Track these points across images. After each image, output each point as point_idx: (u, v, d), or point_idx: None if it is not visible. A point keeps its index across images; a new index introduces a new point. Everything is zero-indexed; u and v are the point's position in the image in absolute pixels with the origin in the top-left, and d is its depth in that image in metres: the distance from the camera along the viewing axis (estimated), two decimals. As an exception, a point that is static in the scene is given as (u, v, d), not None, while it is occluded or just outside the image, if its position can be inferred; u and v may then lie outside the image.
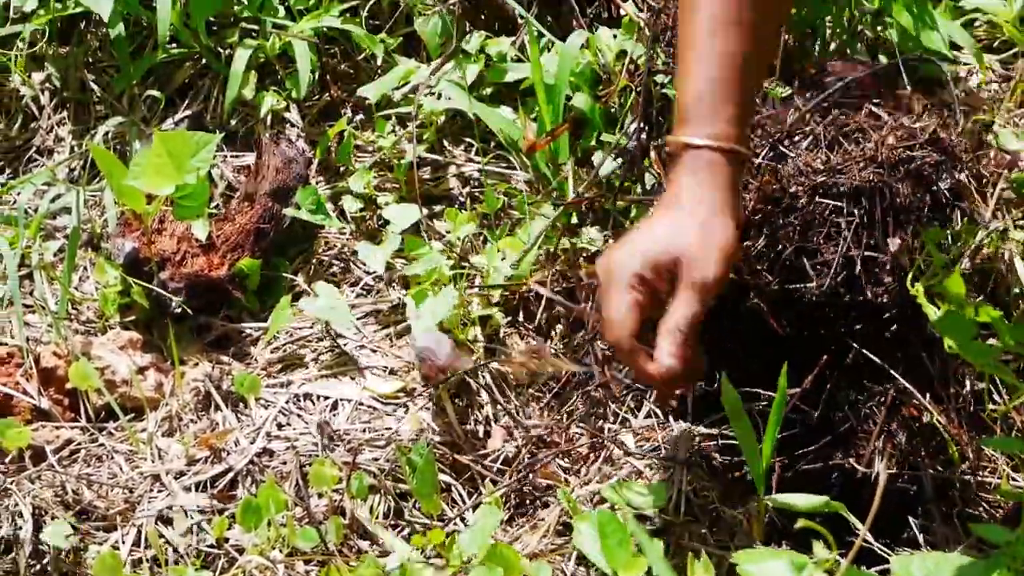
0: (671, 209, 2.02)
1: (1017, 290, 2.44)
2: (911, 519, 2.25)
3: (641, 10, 2.71)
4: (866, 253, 2.29)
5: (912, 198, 2.38)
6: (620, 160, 2.61)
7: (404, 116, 2.74)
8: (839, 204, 2.30)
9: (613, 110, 2.66)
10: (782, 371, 2.19)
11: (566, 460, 2.36)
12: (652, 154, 2.61)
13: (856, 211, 2.30)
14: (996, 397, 2.37)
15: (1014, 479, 2.28)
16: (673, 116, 2.17)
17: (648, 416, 2.43)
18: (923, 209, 2.39)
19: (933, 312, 2.10)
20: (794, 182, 2.41)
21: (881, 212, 2.34)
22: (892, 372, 2.30)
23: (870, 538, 2.10)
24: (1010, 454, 2.25)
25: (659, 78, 2.63)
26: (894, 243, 2.32)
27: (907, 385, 2.30)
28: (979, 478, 2.35)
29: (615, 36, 2.69)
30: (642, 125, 2.61)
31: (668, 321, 1.93)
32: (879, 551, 2.15)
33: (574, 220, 2.59)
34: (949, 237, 2.44)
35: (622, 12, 2.73)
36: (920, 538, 2.22)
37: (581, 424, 2.41)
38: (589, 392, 2.45)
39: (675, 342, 1.93)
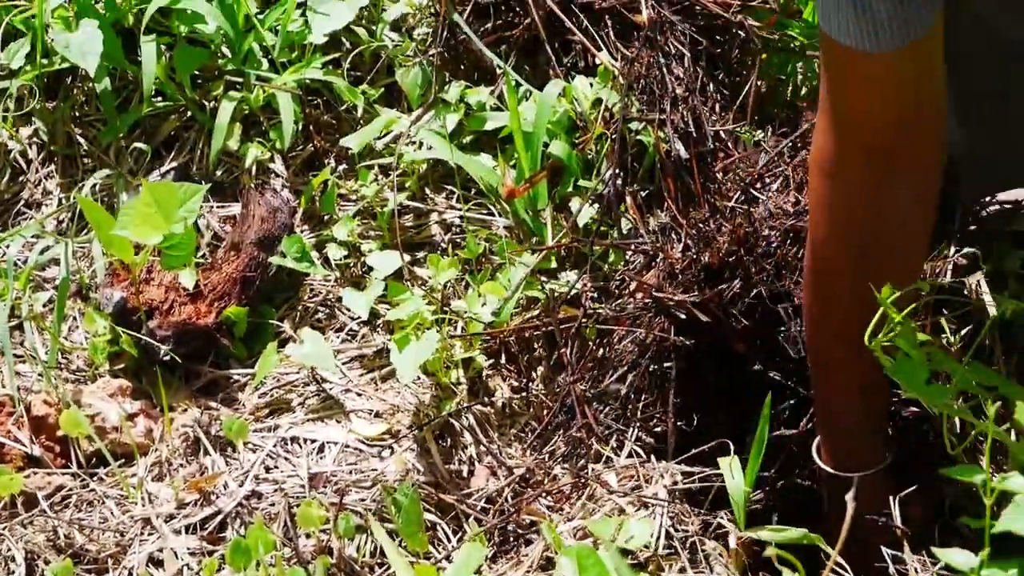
0: None
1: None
2: (882, 549, 2.27)
3: (616, 59, 2.73)
4: None
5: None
6: (596, 206, 2.63)
7: (386, 165, 2.75)
8: None
9: (590, 156, 2.68)
10: (766, 404, 2.23)
11: (549, 499, 2.38)
12: (627, 199, 2.63)
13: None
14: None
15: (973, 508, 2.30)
16: None
17: (630, 456, 2.44)
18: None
19: (888, 363, 2.13)
20: (766, 225, 2.44)
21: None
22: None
23: (843, 563, 2.13)
24: (975, 488, 2.27)
25: (633, 125, 2.66)
26: None
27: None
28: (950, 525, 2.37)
29: (591, 85, 2.71)
30: (617, 171, 2.64)
31: None
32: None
33: (553, 264, 2.61)
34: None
35: (597, 61, 2.75)
36: (891, 568, 2.24)
37: (564, 464, 2.43)
38: (571, 433, 2.46)
39: None
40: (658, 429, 2.51)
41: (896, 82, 2.01)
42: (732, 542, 2.28)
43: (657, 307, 2.49)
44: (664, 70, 2.69)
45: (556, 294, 2.55)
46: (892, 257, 2.14)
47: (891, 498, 2.21)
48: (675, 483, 2.40)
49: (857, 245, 2.12)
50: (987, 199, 2.65)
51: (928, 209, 2.17)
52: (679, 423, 2.49)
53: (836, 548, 1.99)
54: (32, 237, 2.71)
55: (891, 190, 2.08)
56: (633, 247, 2.61)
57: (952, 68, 2.32)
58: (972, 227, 2.64)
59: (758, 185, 2.56)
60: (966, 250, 2.51)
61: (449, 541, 2.33)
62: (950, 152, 2.54)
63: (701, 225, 2.55)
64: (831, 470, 2.23)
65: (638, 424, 2.49)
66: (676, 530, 2.33)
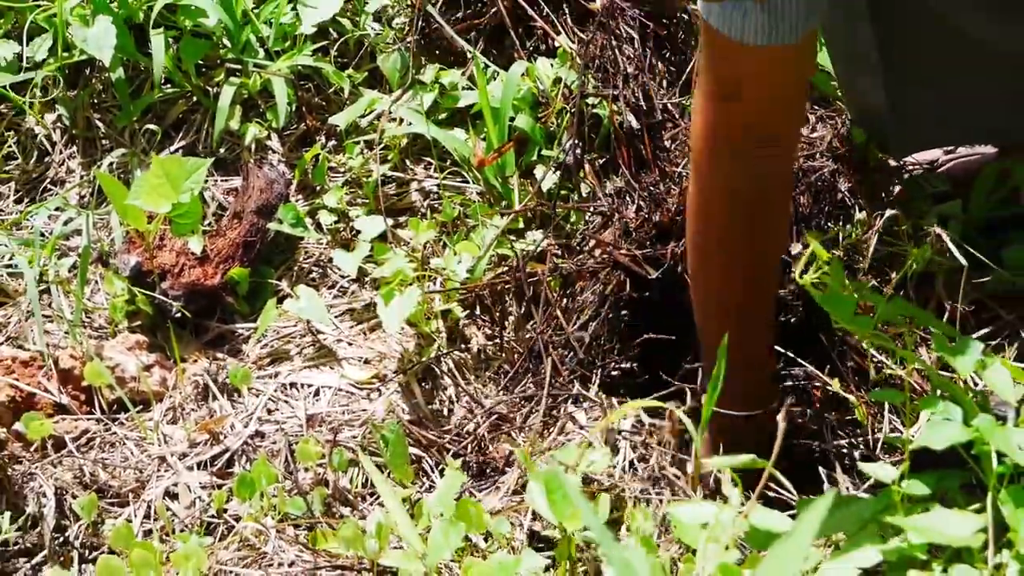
0: None
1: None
2: (821, 469, 2.28)
3: (573, 42, 2.73)
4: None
5: (812, 207, 2.42)
6: (558, 172, 2.64)
7: (370, 140, 2.75)
8: None
9: (552, 129, 2.69)
10: (722, 347, 2.24)
11: (523, 435, 2.39)
12: (586, 166, 2.64)
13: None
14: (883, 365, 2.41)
15: (899, 430, 2.31)
16: None
17: (597, 395, 2.46)
18: (824, 212, 2.43)
19: (818, 294, 2.13)
20: None
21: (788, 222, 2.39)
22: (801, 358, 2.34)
23: (785, 481, 2.14)
24: (897, 408, 2.28)
25: (590, 100, 2.66)
26: (796, 248, 2.36)
27: (808, 367, 2.35)
28: (876, 435, 2.39)
29: (551, 65, 2.71)
30: (576, 141, 2.64)
31: None
32: (789, 499, 2.20)
33: (521, 225, 2.62)
34: (840, 235, 2.47)
35: (557, 44, 2.75)
36: (826, 486, 2.24)
37: (536, 404, 2.44)
38: (540, 376, 2.47)
39: None
40: (616, 372, 2.52)
41: (784, 71, 2.02)
42: (690, 468, 2.29)
43: (615, 262, 2.50)
44: (616, 51, 2.69)
45: (523, 252, 2.55)
46: (776, 215, 2.18)
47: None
48: (639, 421, 2.42)
49: (744, 214, 2.13)
50: (917, 164, 2.66)
51: (791, 170, 2.23)
52: (635, 365, 2.51)
53: (770, 461, 2.00)
54: (56, 210, 2.71)
55: (774, 160, 2.10)
56: (592, 209, 2.61)
57: (900, 37, 2.33)
58: (897, 187, 2.65)
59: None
60: (888, 213, 2.52)
61: (432, 473, 2.34)
62: (867, 112, 2.54)
63: (652, 188, 2.56)
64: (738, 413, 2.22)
65: (600, 367, 2.51)
66: (641, 459, 2.35)
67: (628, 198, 2.59)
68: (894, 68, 2.40)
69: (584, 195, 2.64)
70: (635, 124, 2.65)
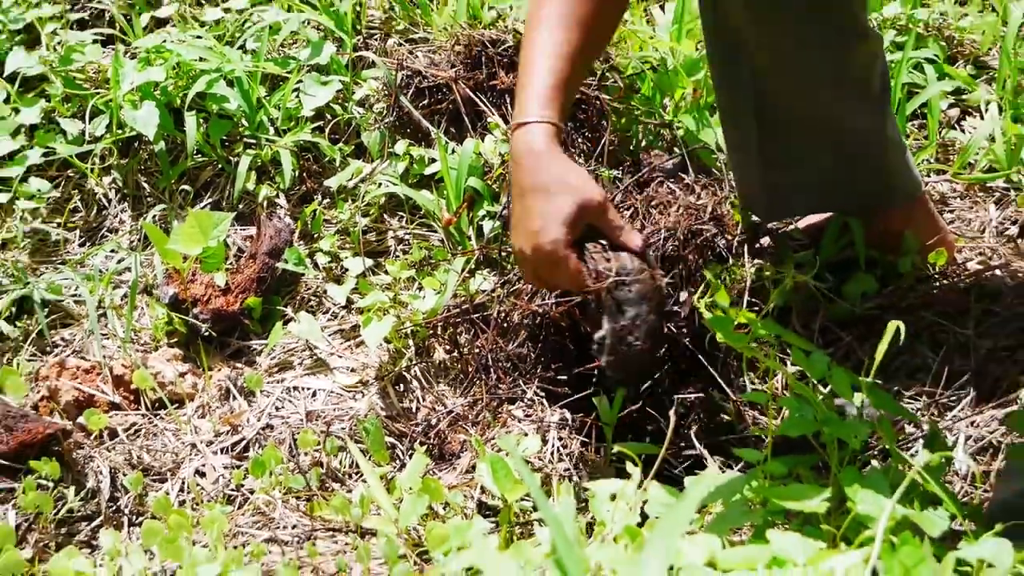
0: (540, 192, 2.05)
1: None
2: (708, 457, 2.29)
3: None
4: (670, 308, 2.37)
5: (697, 262, 2.43)
6: (499, 222, 2.64)
7: (356, 198, 2.75)
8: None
9: (495, 189, 2.69)
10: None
11: (475, 429, 2.39)
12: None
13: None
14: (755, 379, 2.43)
15: (759, 421, 2.32)
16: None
17: (532, 398, 2.46)
18: (708, 264, 2.44)
19: (708, 315, 2.15)
20: None
21: (679, 275, 2.40)
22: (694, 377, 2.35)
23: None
24: (762, 406, 2.29)
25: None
26: (683, 295, 2.38)
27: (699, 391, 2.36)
28: (746, 428, 2.40)
29: (494, 141, 2.71)
30: (510, 198, 2.66)
31: (617, 237, 2.12)
32: (679, 476, 2.21)
33: (472, 266, 2.62)
34: (725, 274, 2.49)
35: (494, 123, 2.76)
36: (712, 470, 2.25)
37: (487, 405, 2.44)
38: (489, 383, 2.47)
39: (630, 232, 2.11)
40: (546, 379, 2.53)
41: None
42: (602, 452, 2.31)
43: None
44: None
45: (475, 291, 2.56)
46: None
47: None
48: (564, 417, 2.42)
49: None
50: (782, 224, 2.68)
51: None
52: (561, 376, 2.52)
53: (663, 450, 2.01)
54: (111, 252, 2.70)
55: None
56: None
57: (771, 135, 2.37)
58: (766, 240, 2.67)
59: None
60: (758, 261, 2.54)
61: (403, 456, 2.34)
62: (749, 188, 2.57)
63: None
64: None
65: (537, 377, 2.51)
66: (565, 447, 2.36)
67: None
68: (766, 157, 2.44)
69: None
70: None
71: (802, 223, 2.67)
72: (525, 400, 2.45)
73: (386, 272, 2.63)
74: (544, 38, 2.10)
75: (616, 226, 2.10)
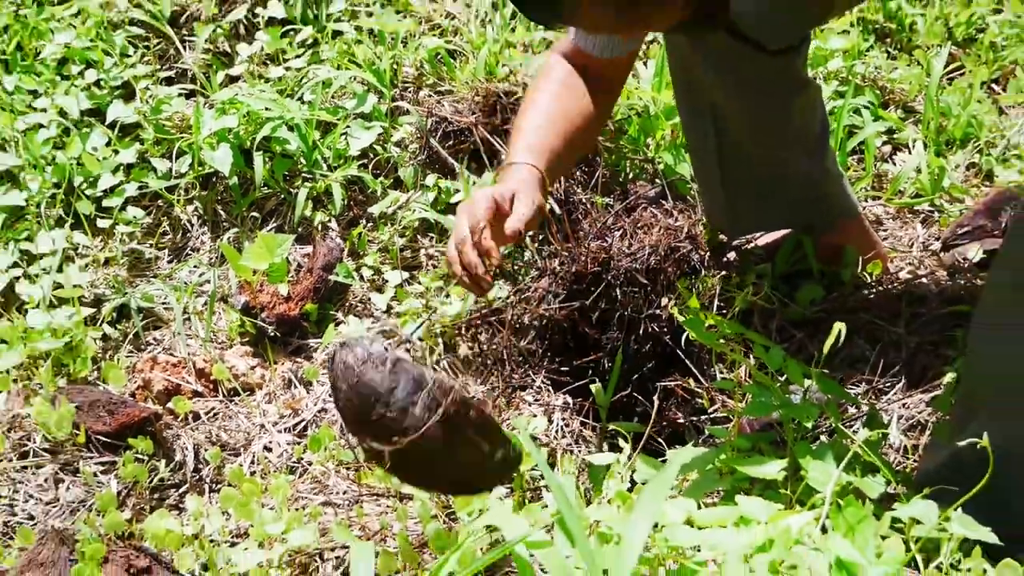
0: (506, 180, 2.06)
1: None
2: (686, 434, 2.29)
3: None
4: (653, 311, 2.36)
5: (674, 274, 2.43)
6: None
7: (394, 222, 2.76)
8: (642, 281, 2.35)
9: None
10: (617, 357, 2.25)
11: (494, 412, 2.39)
12: (527, 239, 2.64)
13: (645, 285, 2.37)
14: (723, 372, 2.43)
15: (728, 404, 2.32)
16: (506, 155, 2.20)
17: (539, 386, 2.46)
18: (682, 275, 2.44)
19: (680, 316, 2.15)
20: (614, 262, 2.47)
21: (660, 283, 2.40)
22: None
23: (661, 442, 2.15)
24: (730, 391, 2.29)
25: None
26: (663, 301, 2.38)
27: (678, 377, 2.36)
28: (717, 411, 2.40)
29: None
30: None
31: (515, 213, 1.98)
32: (662, 450, 2.21)
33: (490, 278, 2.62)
34: (699, 283, 2.49)
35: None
36: (689, 445, 2.26)
37: (504, 391, 2.44)
38: (504, 373, 2.48)
39: (520, 219, 1.96)
40: (551, 369, 2.53)
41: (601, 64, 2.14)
42: (599, 430, 2.31)
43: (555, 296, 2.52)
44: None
45: (490, 296, 2.56)
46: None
47: None
48: (566, 401, 2.43)
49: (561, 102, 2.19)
50: (744, 241, 2.69)
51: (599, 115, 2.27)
52: (564, 368, 2.52)
53: (648, 428, 2.01)
54: (194, 267, 2.71)
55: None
56: (534, 265, 2.62)
57: (732, 167, 2.38)
58: (732, 254, 2.67)
59: (607, 232, 2.58)
60: (724, 272, 2.55)
61: (434, 434, 2.35)
62: (713, 213, 2.58)
63: (570, 251, 2.58)
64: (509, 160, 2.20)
65: (543, 368, 2.51)
66: (567, 426, 2.36)
67: (556, 257, 2.60)
68: (727, 188, 2.46)
69: (527, 257, 2.65)
70: (558, 211, 2.66)
71: (761, 241, 2.67)
72: (534, 387, 2.45)
73: (419, 283, 2.63)
74: (530, 120, 2.17)
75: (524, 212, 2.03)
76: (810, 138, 2.45)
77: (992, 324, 1.90)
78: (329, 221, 2.76)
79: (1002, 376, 1.85)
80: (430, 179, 2.75)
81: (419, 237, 2.74)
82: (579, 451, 2.31)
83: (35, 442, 2.21)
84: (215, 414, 2.37)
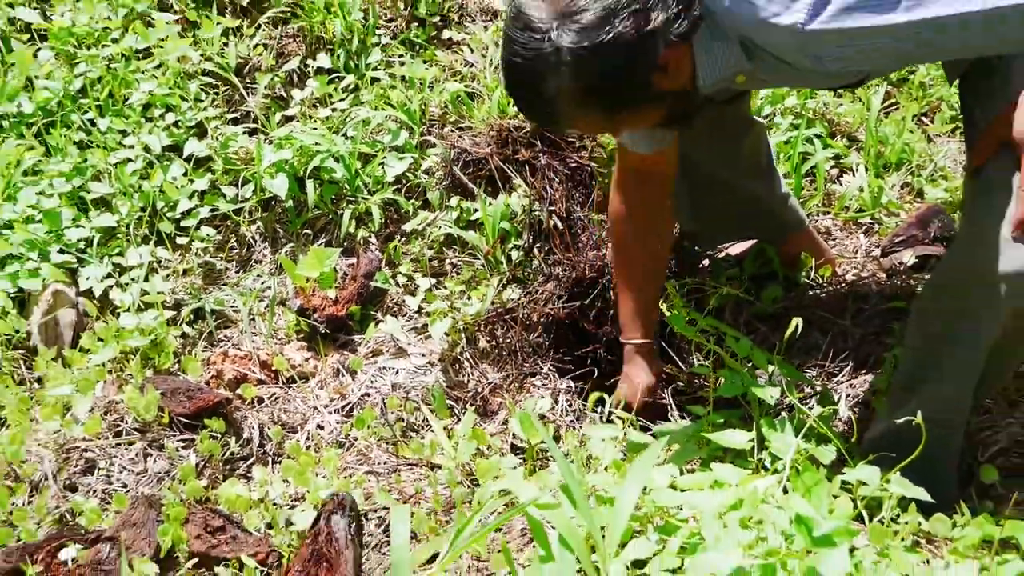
0: (629, 379, 2.21)
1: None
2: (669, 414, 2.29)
3: (529, 184, 2.73)
4: None
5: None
6: (522, 252, 2.65)
7: (424, 237, 2.74)
8: None
9: (520, 229, 2.68)
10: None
11: (508, 394, 2.40)
12: (534, 250, 2.64)
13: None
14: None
15: (704, 386, 2.32)
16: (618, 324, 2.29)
17: (546, 373, 2.46)
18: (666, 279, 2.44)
19: (668, 313, 2.15)
20: (608, 269, 2.46)
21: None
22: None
23: (646, 423, 2.15)
24: (706, 376, 2.28)
25: (537, 213, 2.67)
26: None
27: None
28: (695, 391, 2.40)
29: (519, 197, 2.71)
30: (529, 235, 2.65)
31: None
32: (649, 425, 2.21)
33: (504, 283, 2.63)
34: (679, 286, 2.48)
35: (517, 183, 2.76)
36: (674, 422, 2.26)
37: (517, 377, 2.44)
38: (517, 363, 2.48)
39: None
40: (556, 358, 2.53)
41: (648, 160, 2.10)
42: (598, 410, 2.31)
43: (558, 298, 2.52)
44: (551, 186, 2.70)
45: (505, 298, 2.56)
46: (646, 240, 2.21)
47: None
48: (569, 386, 2.43)
49: (637, 235, 2.19)
50: (717, 251, 2.68)
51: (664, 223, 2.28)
52: (567, 358, 2.52)
53: (634, 410, 2.00)
54: (257, 276, 2.71)
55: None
56: (541, 272, 2.62)
57: (697, 191, 2.38)
58: (706, 261, 2.67)
59: (603, 243, 2.58)
60: (699, 278, 2.55)
61: (458, 413, 2.35)
62: (688, 228, 2.58)
63: (571, 259, 2.58)
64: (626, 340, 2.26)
65: (550, 358, 2.51)
66: (570, 405, 2.36)
67: (559, 265, 2.60)
68: (696, 209, 2.47)
69: (534, 265, 2.64)
70: (560, 225, 2.66)
71: (732, 250, 2.67)
72: (542, 374, 2.46)
73: (445, 287, 2.63)
74: (627, 296, 2.23)
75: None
76: (759, 167, 2.47)
77: (919, 323, 1.91)
78: (369, 236, 2.75)
79: (923, 366, 1.86)
80: (453, 200, 2.75)
81: (444, 249, 2.74)
82: (580, 427, 2.31)
83: (127, 423, 2.22)
84: (276, 398, 2.37)
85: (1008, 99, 1.67)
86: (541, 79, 1.63)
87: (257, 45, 3.05)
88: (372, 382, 2.41)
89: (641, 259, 2.20)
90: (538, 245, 2.65)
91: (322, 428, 2.29)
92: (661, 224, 2.23)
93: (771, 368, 2.13)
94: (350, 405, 2.35)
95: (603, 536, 1.37)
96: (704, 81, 1.74)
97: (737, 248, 2.66)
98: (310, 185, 2.75)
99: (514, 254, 2.66)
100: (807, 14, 1.53)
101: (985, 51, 1.68)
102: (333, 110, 2.92)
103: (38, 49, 2.97)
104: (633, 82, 1.65)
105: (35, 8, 3.09)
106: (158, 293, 2.56)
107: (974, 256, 1.67)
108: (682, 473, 1.74)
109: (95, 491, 2.10)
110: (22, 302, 2.52)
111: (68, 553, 1.84)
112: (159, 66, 2.93)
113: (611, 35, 1.57)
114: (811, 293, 2.56)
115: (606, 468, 1.89)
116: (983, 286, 1.65)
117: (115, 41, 2.98)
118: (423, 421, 2.31)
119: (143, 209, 2.71)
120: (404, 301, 2.64)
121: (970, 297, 1.72)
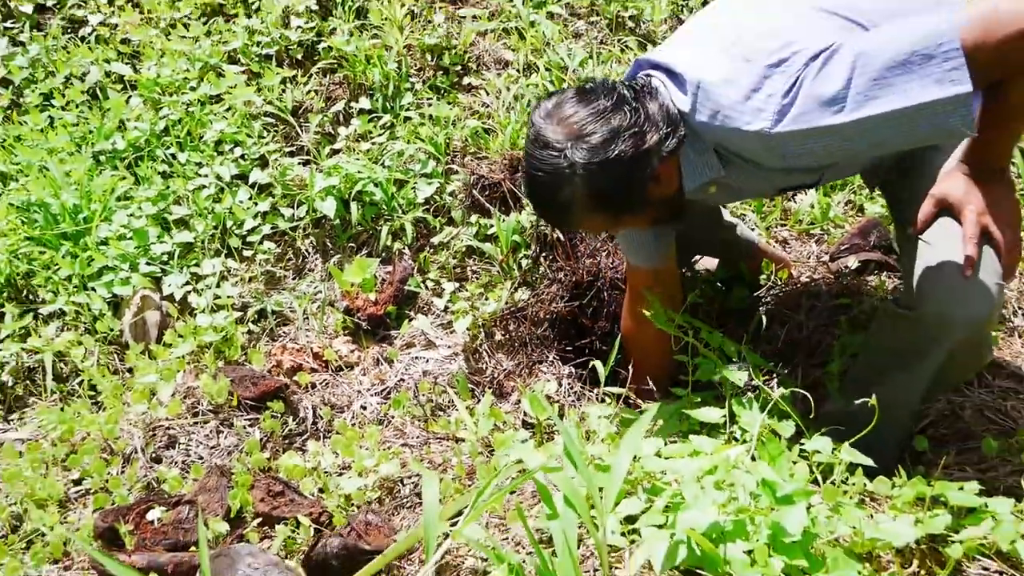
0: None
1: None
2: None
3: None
4: None
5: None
6: (531, 260, 2.63)
7: (449, 248, 2.73)
8: (622, 286, 2.32)
9: (528, 241, 2.67)
10: (615, 343, 2.22)
11: (519, 379, 2.38)
12: (540, 258, 2.63)
13: (624, 289, 2.33)
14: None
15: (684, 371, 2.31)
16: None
17: (552, 360, 2.44)
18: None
19: (650, 312, 2.13)
20: (602, 274, 2.44)
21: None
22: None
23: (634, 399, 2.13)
24: (685, 362, 2.26)
25: (541, 227, 2.66)
26: None
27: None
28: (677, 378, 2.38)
29: (527, 215, 2.70)
30: (536, 246, 2.64)
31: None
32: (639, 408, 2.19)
33: (515, 287, 2.61)
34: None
35: (527, 204, 2.74)
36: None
37: (528, 364, 2.43)
38: (527, 352, 2.46)
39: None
40: (560, 348, 2.51)
41: (653, 272, 2.07)
42: (595, 391, 2.29)
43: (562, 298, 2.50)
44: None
45: (516, 299, 2.55)
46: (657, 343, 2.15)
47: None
48: (571, 372, 2.41)
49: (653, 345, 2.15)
50: (694, 261, 2.67)
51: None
52: (568, 348, 2.50)
53: (626, 389, 1.98)
54: (310, 282, 2.71)
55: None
56: (546, 276, 2.61)
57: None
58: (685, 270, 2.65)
59: (598, 252, 2.56)
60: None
61: (478, 395, 2.34)
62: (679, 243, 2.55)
63: (571, 265, 2.57)
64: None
65: (555, 348, 2.50)
66: (572, 388, 2.34)
67: (561, 271, 2.59)
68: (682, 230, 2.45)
69: (541, 272, 2.62)
70: (561, 238, 2.64)
71: (703, 263, 2.65)
72: (548, 362, 2.44)
73: (467, 290, 2.61)
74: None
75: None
76: (721, 223, 2.45)
77: (878, 327, 1.87)
78: (404, 248, 2.75)
79: (873, 382, 1.83)
80: (473, 218, 2.74)
81: (466, 258, 2.73)
82: (580, 406, 2.29)
83: (203, 405, 2.21)
84: (326, 384, 2.36)
85: (932, 178, 1.68)
86: (558, 189, 1.66)
87: (309, 91, 3.05)
88: (406, 369, 2.40)
89: (657, 358, 2.17)
90: (544, 254, 2.64)
91: (365, 408, 2.28)
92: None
93: (740, 355, 2.11)
94: (388, 389, 2.34)
95: (600, 496, 1.35)
96: (688, 187, 1.74)
97: (708, 262, 2.64)
98: (354, 206, 2.74)
99: (524, 262, 2.64)
100: (772, 121, 1.52)
101: (915, 144, 1.59)
102: (373, 143, 2.92)
103: (129, 97, 2.98)
104: (632, 191, 1.67)
105: (127, 63, 3.11)
106: (228, 297, 2.56)
107: (923, 301, 1.64)
108: (666, 444, 1.73)
109: (176, 462, 2.09)
110: (116, 306, 2.53)
111: (154, 514, 1.84)
112: (228, 109, 2.93)
113: (615, 152, 1.60)
114: (772, 292, 2.54)
115: (602, 440, 1.87)
116: (933, 325, 1.64)
117: (192, 89, 2.99)
118: (449, 402, 2.30)
119: (215, 227, 2.71)
120: (432, 302, 2.63)
121: (919, 332, 1.69)
